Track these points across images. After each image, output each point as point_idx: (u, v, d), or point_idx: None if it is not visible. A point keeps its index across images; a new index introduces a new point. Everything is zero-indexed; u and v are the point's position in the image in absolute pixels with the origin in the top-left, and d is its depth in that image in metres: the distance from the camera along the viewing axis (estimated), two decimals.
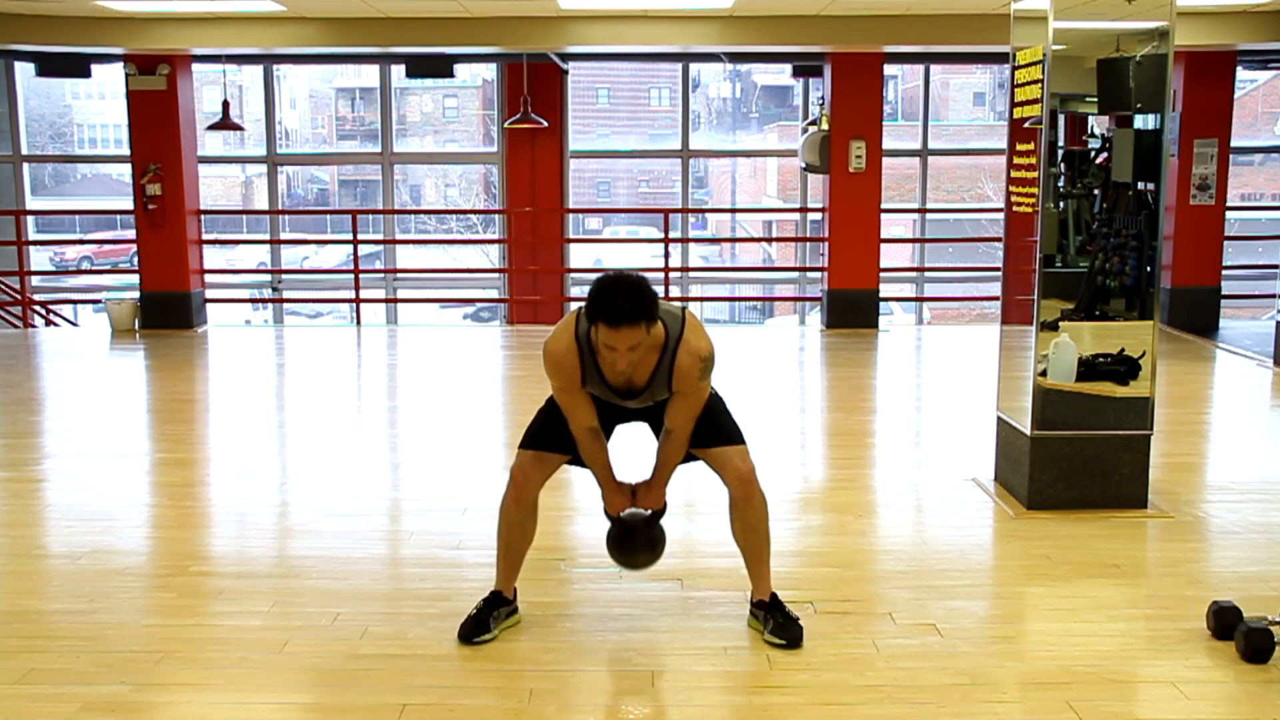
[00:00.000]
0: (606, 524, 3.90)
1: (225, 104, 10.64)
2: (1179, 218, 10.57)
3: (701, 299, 13.73)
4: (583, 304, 3.41)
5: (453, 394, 8.34)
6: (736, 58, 12.43)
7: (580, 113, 12.68)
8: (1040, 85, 5.05)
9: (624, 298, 3.24)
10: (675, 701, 3.44)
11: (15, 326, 11.69)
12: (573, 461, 3.84)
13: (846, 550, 4.88)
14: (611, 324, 3.25)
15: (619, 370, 3.38)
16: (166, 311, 10.87)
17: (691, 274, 13.42)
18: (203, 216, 11.31)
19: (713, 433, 3.76)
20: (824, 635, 3.85)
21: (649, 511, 3.83)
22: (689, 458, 3.81)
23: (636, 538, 3.82)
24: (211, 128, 10.85)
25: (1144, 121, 5.07)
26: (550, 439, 3.78)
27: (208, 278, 11.52)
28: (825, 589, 4.30)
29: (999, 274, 5.86)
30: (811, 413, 8.22)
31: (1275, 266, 10.44)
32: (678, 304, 3.68)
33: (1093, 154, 5.26)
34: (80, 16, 9.48)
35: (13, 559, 4.83)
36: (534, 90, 10.88)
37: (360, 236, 12.03)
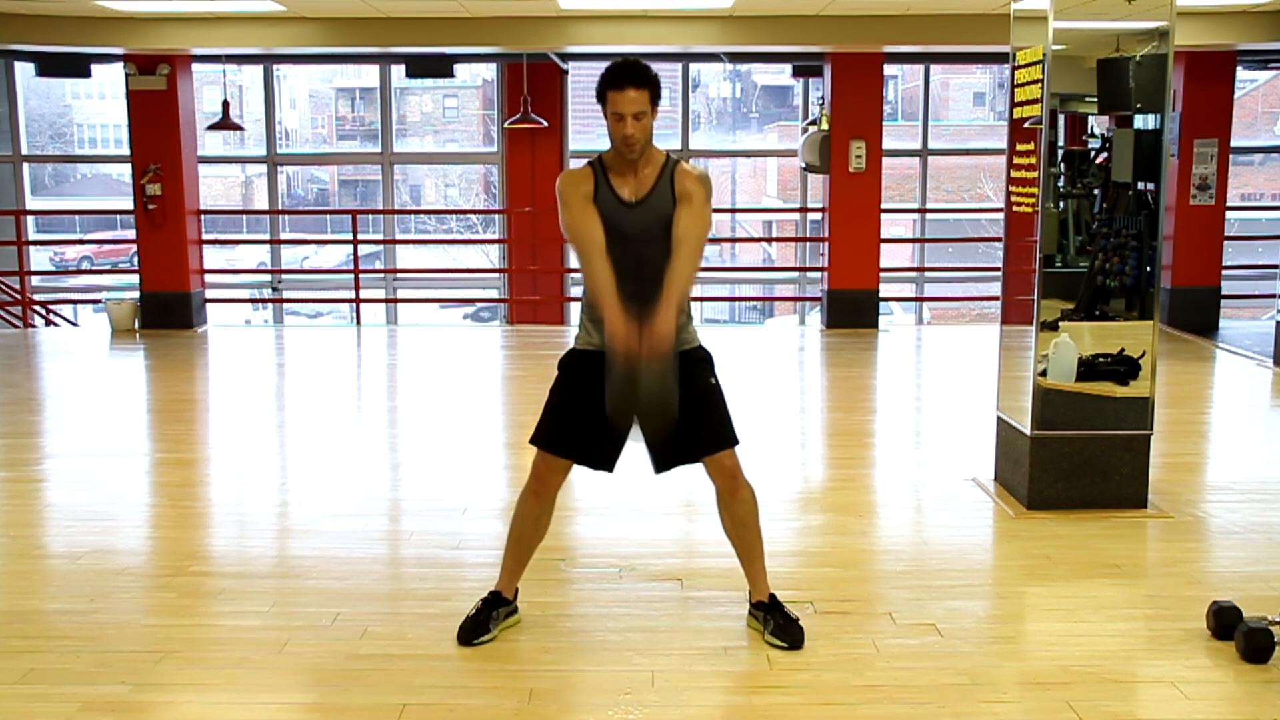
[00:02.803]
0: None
1: (225, 104, 10.64)
2: (1179, 218, 10.57)
3: (702, 299, 13.70)
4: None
5: (453, 394, 8.34)
6: (736, 58, 12.43)
7: (580, 113, 12.64)
8: (1040, 85, 5.05)
9: (628, 65, 3.60)
10: (675, 701, 3.43)
11: (15, 326, 11.69)
12: (584, 463, 3.81)
13: (846, 550, 4.88)
14: (617, 85, 3.54)
15: (628, 134, 3.55)
16: (166, 311, 10.87)
17: None
18: (203, 216, 11.31)
19: (719, 434, 3.75)
20: (824, 635, 3.85)
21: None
22: (689, 459, 3.78)
23: (640, 384, 3.39)
24: (211, 128, 10.85)
25: (1144, 121, 5.07)
26: (563, 441, 3.75)
27: (208, 278, 11.51)
28: (825, 589, 4.30)
29: (999, 274, 5.86)
30: (811, 413, 8.22)
31: (1275, 266, 10.44)
32: None
33: (1093, 154, 5.26)
34: (80, 16, 9.48)
35: (13, 559, 4.83)
36: (534, 90, 10.88)
37: (360, 236, 12.03)
